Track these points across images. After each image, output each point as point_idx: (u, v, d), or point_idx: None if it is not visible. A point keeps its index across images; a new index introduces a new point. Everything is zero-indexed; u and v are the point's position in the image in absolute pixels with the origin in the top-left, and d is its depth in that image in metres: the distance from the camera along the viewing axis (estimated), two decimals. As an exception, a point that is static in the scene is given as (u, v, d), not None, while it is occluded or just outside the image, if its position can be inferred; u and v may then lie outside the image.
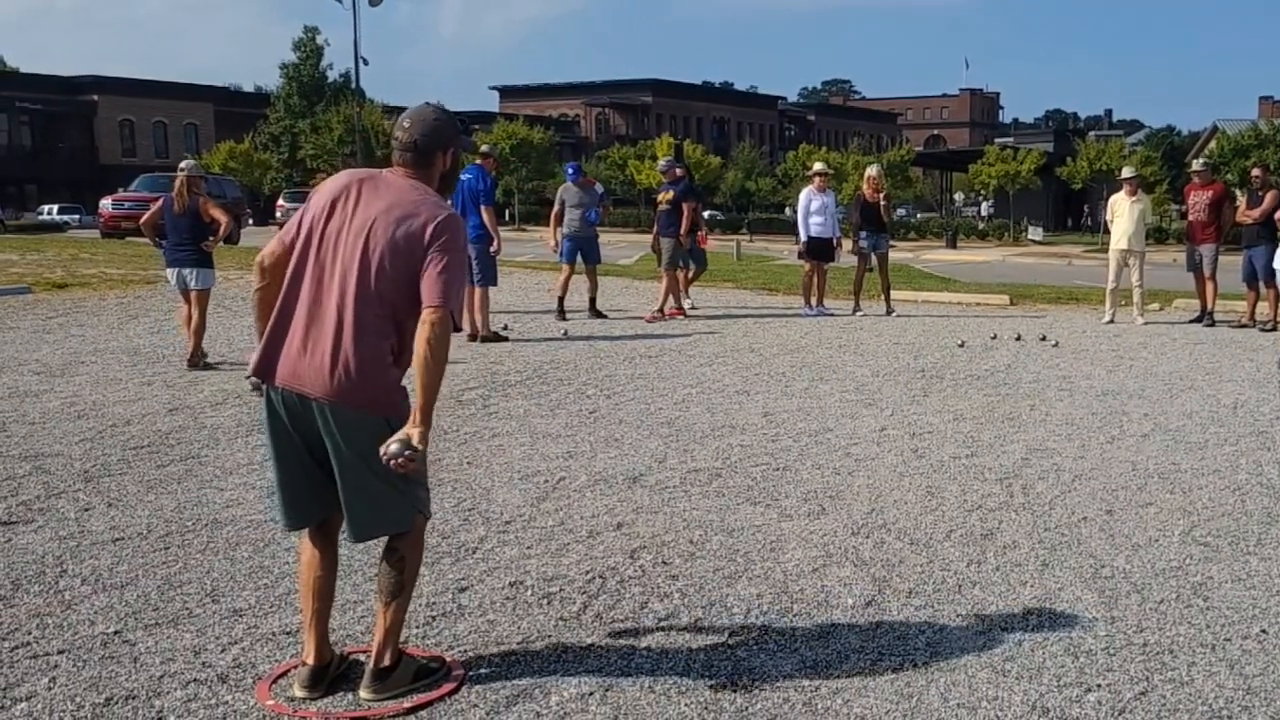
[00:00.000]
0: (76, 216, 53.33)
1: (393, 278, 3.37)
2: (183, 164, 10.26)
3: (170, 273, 10.06)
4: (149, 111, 71.46)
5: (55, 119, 67.81)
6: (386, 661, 3.52)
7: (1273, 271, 12.75)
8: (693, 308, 15.12)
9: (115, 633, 3.99)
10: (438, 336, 3.28)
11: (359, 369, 3.35)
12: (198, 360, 9.74)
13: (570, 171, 14.29)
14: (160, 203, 10.11)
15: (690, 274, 15.54)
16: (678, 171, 15.12)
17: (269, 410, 3.48)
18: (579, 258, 13.64)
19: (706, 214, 14.87)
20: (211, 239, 9.92)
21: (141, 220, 10.42)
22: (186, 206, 9.79)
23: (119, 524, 5.25)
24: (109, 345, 11.07)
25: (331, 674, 3.59)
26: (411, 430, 3.29)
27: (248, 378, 3.55)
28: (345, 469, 3.41)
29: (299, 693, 3.52)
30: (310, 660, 3.56)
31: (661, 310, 13.95)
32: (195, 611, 4.20)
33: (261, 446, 6.63)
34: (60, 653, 3.82)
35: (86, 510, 5.47)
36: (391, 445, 3.26)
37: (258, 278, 3.55)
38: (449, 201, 3.67)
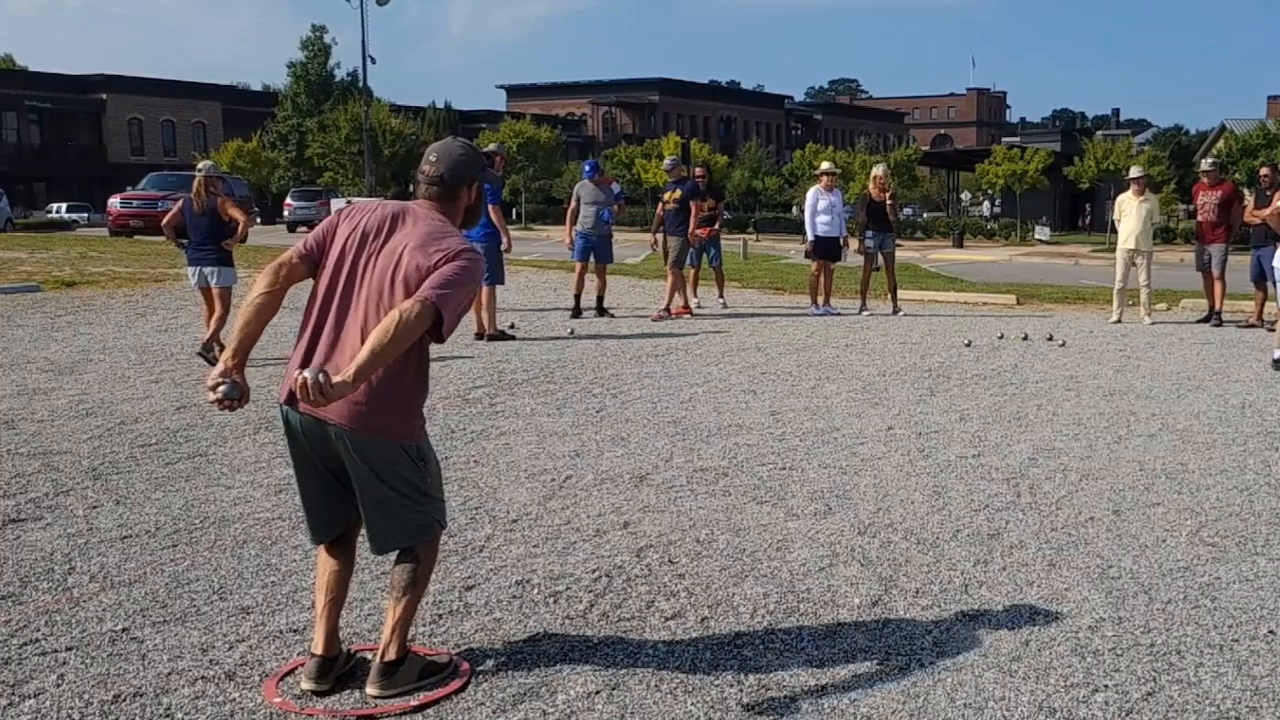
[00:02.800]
0: (85, 215, 53.46)
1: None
2: (201, 164, 10.52)
3: (191, 271, 10.23)
4: (157, 110, 71.58)
5: (64, 117, 67.94)
6: (392, 655, 3.53)
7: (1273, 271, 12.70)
8: (725, 307, 15.20)
9: (123, 630, 4.00)
10: (409, 319, 3.20)
11: (378, 397, 3.38)
12: (211, 349, 9.77)
13: (587, 169, 14.28)
14: (180, 203, 10.33)
15: (715, 272, 15.58)
16: (696, 171, 15.33)
17: (289, 433, 3.54)
18: (591, 256, 13.68)
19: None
20: (230, 238, 10.10)
21: (163, 221, 10.66)
22: (205, 206, 9.98)
23: (127, 521, 5.26)
24: (117, 343, 11.10)
25: (339, 669, 3.61)
26: (336, 375, 3.16)
27: (203, 354, 3.52)
28: (365, 487, 3.48)
29: (307, 684, 3.54)
30: (319, 651, 3.58)
31: (668, 309, 13.96)
32: (203, 609, 4.21)
33: (269, 445, 6.65)
34: (69, 650, 3.83)
35: (95, 508, 5.48)
36: (306, 372, 3.07)
37: (268, 282, 3.48)
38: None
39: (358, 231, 3.51)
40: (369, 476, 3.45)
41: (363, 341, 3.30)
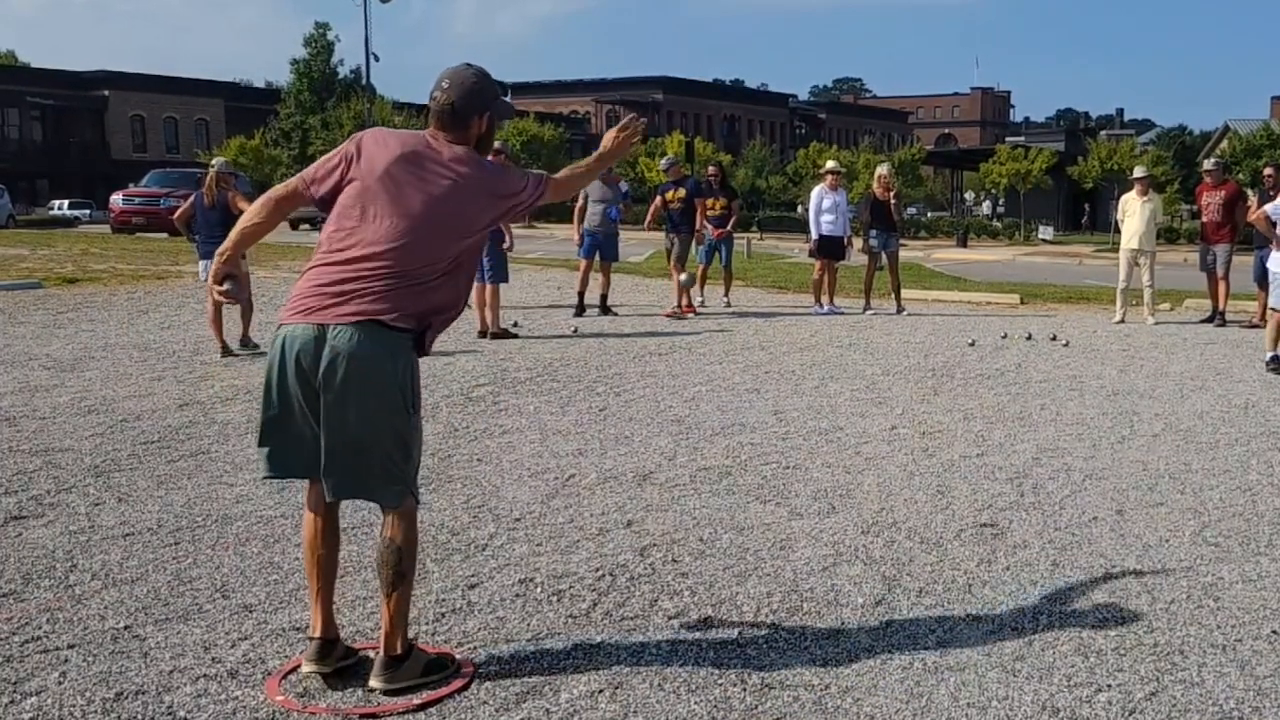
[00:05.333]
0: (87, 212, 53.39)
1: (439, 250, 3.45)
2: (214, 160, 11.11)
3: (202, 265, 10.53)
4: (160, 107, 71.64)
5: (67, 114, 67.99)
6: (397, 649, 3.52)
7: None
8: (729, 306, 15.18)
9: (125, 628, 4.00)
10: (557, 188, 3.81)
11: (388, 309, 3.37)
12: (248, 341, 10.35)
13: None
14: (191, 198, 10.82)
15: (724, 272, 15.57)
16: (710, 169, 15.53)
17: (277, 352, 3.44)
18: (596, 255, 13.68)
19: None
20: None
21: (175, 215, 11.21)
22: (216, 200, 10.47)
23: (129, 519, 5.26)
24: (119, 340, 11.10)
25: (339, 653, 3.60)
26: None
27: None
28: (337, 423, 3.36)
29: (307, 667, 3.54)
30: (317, 633, 3.58)
31: (679, 305, 13.97)
32: (205, 607, 4.20)
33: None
34: (70, 647, 3.82)
35: (97, 505, 5.48)
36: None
37: (266, 212, 3.55)
38: None
39: (378, 170, 3.47)
40: (346, 407, 3.33)
41: (377, 273, 3.38)
